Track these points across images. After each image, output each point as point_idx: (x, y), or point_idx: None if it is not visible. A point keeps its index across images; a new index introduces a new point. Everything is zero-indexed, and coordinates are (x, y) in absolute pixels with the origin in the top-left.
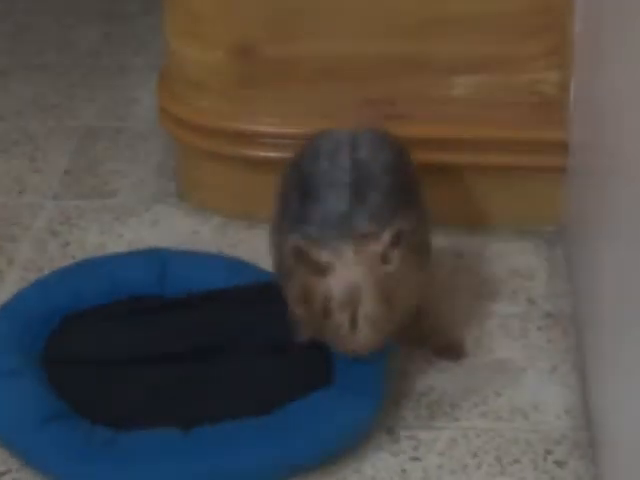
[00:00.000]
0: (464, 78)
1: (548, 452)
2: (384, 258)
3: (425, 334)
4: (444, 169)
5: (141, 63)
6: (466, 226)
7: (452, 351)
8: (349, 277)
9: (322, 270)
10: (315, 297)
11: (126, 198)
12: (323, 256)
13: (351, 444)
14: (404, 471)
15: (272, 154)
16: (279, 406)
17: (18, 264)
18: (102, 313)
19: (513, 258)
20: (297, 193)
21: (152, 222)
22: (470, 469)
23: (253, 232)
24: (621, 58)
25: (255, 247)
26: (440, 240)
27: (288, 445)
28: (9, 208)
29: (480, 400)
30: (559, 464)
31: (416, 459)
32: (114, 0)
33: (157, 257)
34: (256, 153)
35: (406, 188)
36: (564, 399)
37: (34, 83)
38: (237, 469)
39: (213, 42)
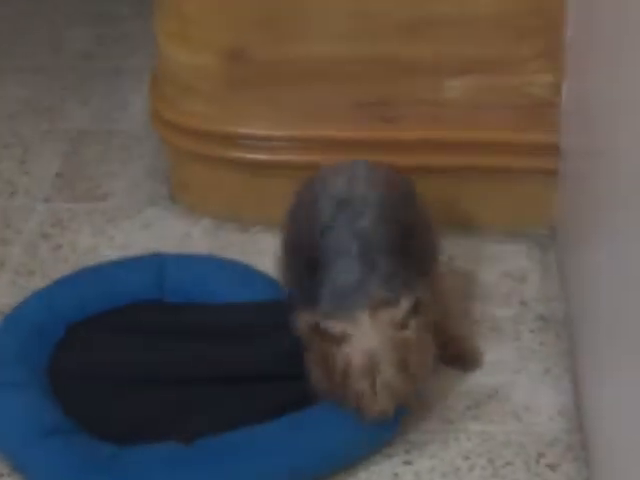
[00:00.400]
0: (456, 80)
1: (540, 455)
2: (403, 324)
3: (441, 343)
4: (436, 171)
5: (134, 66)
6: (458, 228)
7: (465, 361)
8: (367, 344)
9: (339, 340)
10: (334, 366)
11: (118, 201)
12: (338, 327)
13: (359, 453)
14: (396, 475)
15: (263, 157)
16: (283, 416)
17: (9, 267)
18: (107, 324)
19: (506, 261)
20: (305, 264)
21: (144, 225)
22: (462, 472)
23: (244, 234)
24: (612, 61)
25: (246, 249)
26: None
27: (293, 455)
28: (0, 211)
29: (472, 403)
30: (551, 467)
31: (408, 462)
32: (107, 2)
33: (156, 262)
34: (247, 156)
35: (419, 247)
36: (557, 402)
37: (27, 86)
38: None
39: (203, 45)
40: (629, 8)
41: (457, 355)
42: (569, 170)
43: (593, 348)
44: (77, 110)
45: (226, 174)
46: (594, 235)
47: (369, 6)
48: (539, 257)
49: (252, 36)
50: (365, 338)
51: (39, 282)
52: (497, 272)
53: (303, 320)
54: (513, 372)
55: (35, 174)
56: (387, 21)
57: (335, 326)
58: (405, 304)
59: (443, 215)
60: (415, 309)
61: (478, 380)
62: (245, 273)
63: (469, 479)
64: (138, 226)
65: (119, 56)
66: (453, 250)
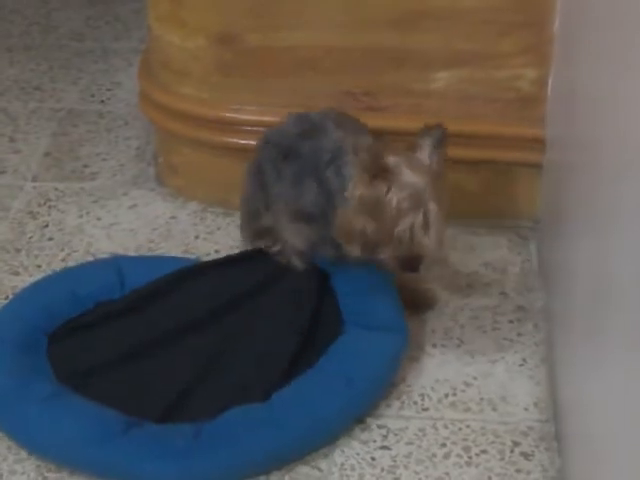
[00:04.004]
0: (444, 72)
1: (515, 444)
2: (431, 159)
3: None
4: None
5: (124, 47)
6: None
7: (424, 301)
8: (413, 178)
9: (390, 172)
10: (385, 203)
11: (105, 181)
12: (390, 160)
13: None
14: (373, 459)
15: (251, 142)
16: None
17: None
18: (86, 321)
19: (487, 252)
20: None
21: (130, 206)
22: (438, 459)
23: (230, 219)
24: (597, 55)
25: (232, 234)
26: None
27: (354, 391)
28: None
29: (450, 391)
30: (525, 456)
31: (385, 448)
32: None
33: (115, 264)
34: (235, 140)
35: None
36: (532, 392)
37: (17, 65)
38: (324, 424)
39: (195, 29)
40: (615, 1)
41: (413, 298)
42: (553, 163)
43: (569, 340)
44: (66, 90)
45: (214, 158)
46: (574, 227)
47: None
48: (520, 249)
49: (244, 22)
50: (410, 173)
51: (25, 260)
52: (478, 263)
53: (364, 145)
54: (491, 362)
55: (24, 153)
56: (378, 12)
57: (388, 158)
58: (428, 141)
59: None
60: (440, 142)
61: (456, 369)
62: None
63: (444, 466)
64: (124, 207)
65: (109, 37)
66: None
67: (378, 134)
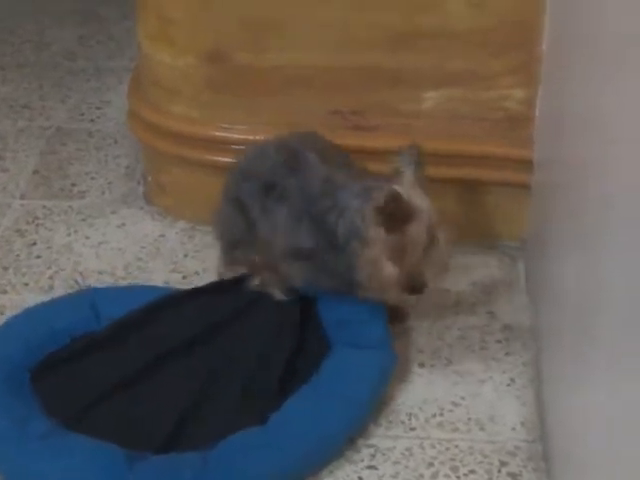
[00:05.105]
0: (432, 93)
1: (503, 464)
2: (417, 182)
3: None
4: None
5: (116, 66)
6: None
7: (399, 316)
8: (425, 211)
9: (415, 211)
10: (420, 236)
11: (94, 200)
12: (407, 199)
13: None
14: (361, 479)
15: None
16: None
17: None
18: (64, 357)
19: (475, 271)
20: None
21: (119, 225)
22: (425, 479)
23: None
24: (585, 76)
25: None
26: None
27: (350, 408)
28: None
29: (437, 411)
30: (513, 476)
31: (372, 467)
32: (94, 3)
33: (88, 297)
34: (224, 159)
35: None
36: (520, 412)
37: (6, 83)
38: (325, 442)
39: (184, 48)
40: (602, 23)
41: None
42: (541, 183)
43: (557, 360)
44: (56, 108)
45: (203, 177)
46: (561, 248)
47: (351, 17)
48: (508, 268)
49: (234, 40)
50: (421, 210)
51: (12, 278)
52: (466, 282)
53: (388, 192)
54: (479, 382)
55: (12, 171)
56: (369, 33)
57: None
58: (408, 167)
59: None
60: (416, 166)
61: (444, 388)
62: None
63: None
64: (113, 226)
65: (101, 56)
66: None
67: (361, 165)
